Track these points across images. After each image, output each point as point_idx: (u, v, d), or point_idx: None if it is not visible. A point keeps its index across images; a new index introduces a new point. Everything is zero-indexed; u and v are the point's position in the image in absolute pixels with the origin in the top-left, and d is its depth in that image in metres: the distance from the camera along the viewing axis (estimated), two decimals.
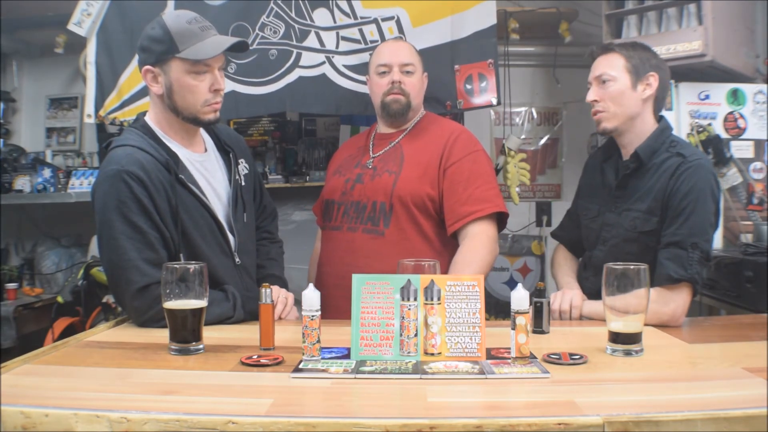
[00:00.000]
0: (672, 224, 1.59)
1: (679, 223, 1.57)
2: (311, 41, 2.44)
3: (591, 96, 1.74)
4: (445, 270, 1.81)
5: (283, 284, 1.80)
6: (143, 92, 2.40)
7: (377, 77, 1.98)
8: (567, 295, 1.67)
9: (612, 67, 1.70)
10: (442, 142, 1.92)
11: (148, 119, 1.63)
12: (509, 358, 1.18)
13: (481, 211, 1.84)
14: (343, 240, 1.91)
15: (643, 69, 1.70)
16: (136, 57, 1.72)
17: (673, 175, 1.61)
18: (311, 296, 1.19)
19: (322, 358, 1.19)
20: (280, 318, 1.63)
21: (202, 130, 1.71)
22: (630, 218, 1.68)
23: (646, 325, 1.28)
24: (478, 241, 1.82)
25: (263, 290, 1.32)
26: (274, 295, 1.62)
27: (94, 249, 2.81)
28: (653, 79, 1.70)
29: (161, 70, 1.55)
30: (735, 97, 2.67)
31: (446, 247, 1.89)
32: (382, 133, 2.04)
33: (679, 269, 1.53)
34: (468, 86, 2.36)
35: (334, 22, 2.42)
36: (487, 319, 1.23)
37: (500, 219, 1.91)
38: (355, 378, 1.10)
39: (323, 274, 1.97)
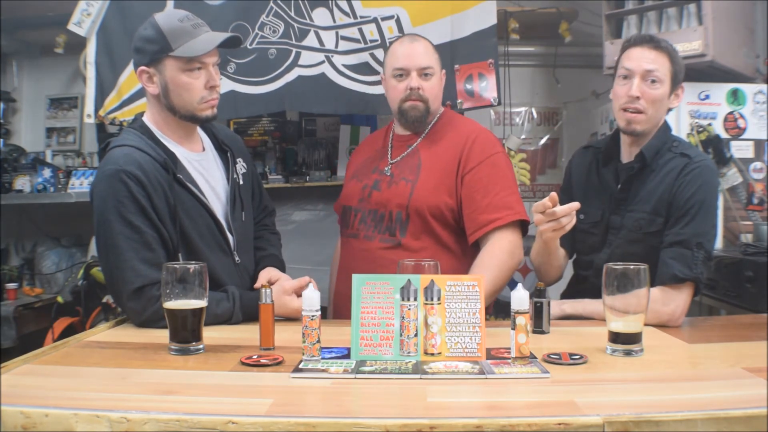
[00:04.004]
0: (677, 224, 1.59)
1: (684, 223, 1.57)
2: (310, 40, 2.44)
3: (636, 91, 1.61)
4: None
5: (282, 265, 1.81)
6: (142, 92, 2.39)
7: (394, 80, 1.88)
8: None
9: (663, 67, 1.62)
10: (459, 147, 1.85)
11: (146, 119, 1.63)
12: (509, 358, 1.18)
13: (501, 219, 1.77)
14: (359, 249, 1.88)
15: (679, 78, 1.65)
16: None
17: (678, 175, 1.61)
18: (311, 296, 1.19)
19: (322, 358, 1.19)
20: (271, 284, 1.63)
21: (199, 130, 1.72)
22: (634, 219, 1.67)
23: (645, 325, 1.28)
24: (499, 246, 1.76)
25: (263, 290, 1.32)
26: (272, 275, 1.67)
27: (94, 249, 2.81)
28: (681, 92, 1.68)
29: (156, 70, 1.55)
30: (735, 97, 2.67)
31: (466, 255, 1.84)
32: (400, 134, 1.96)
33: (684, 269, 1.53)
34: (468, 86, 2.36)
35: (334, 21, 2.42)
36: (487, 319, 1.23)
37: (522, 224, 1.84)
38: (355, 378, 1.10)
39: (340, 281, 1.94)
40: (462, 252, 1.85)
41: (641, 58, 1.63)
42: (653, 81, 1.62)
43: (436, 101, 1.92)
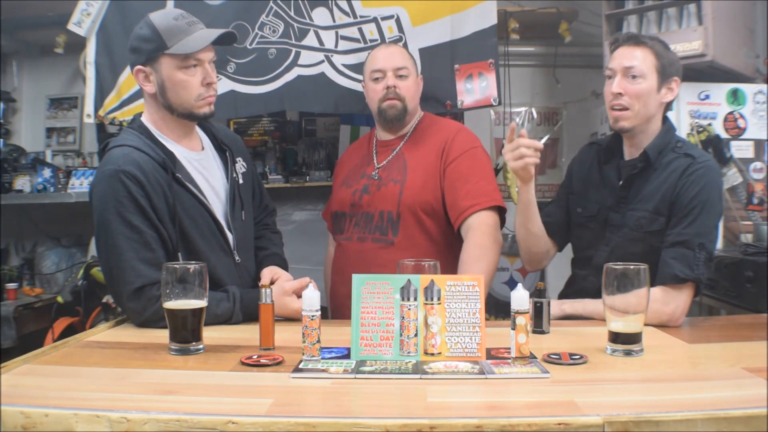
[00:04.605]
0: (679, 224, 1.59)
1: (686, 223, 1.57)
2: (310, 40, 2.44)
3: (616, 88, 1.65)
4: (453, 269, 1.82)
5: (285, 264, 1.82)
6: (142, 92, 2.41)
7: (372, 83, 1.98)
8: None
9: (644, 62, 1.64)
10: (441, 144, 1.94)
11: (144, 119, 1.63)
12: (509, 358, 1.18)
13: (479, 204, 1.85)
14: (353, 250, 1.94)
15: (669, 72, 1.67)
16: None
17: (682, 175, 1.61)
18: (311, 296, 1.19)
19: (322, 358, 1.19)
20: (272, 282, 1.65)
21: (198, 129, 1.72)
22: (635, 218, 1.67)
23: (645, 325, 1.28)
24: (480, 233, 1.83)
25: (263, 290, 1.32)
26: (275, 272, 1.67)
27: (94, 249, 2.81)
28: (675, 85, 1.68)
29: (152, 69, 1.56)
30: (735, 97, 2.67)
31: (451, 246, 1.91)
32: (383, 140, 2.05)
33: (686, 269, 1.53)
34: (468, 86, 2.36)
35: (334, 21, 2.42)
36: (487, 319, 1.23)
37: (501, 215, 1.92)
38: (355, 378, 1.10)
39: (336, 284, 2.00)
40: (447, 244, 1.92)
41: (622, 57, 1.67)
42: (634, 76, 1.64)
43: (414, 101, 2.01)
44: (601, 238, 1.75)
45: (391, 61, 1.96)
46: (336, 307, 2.00)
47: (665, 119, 1.74)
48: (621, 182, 1.73)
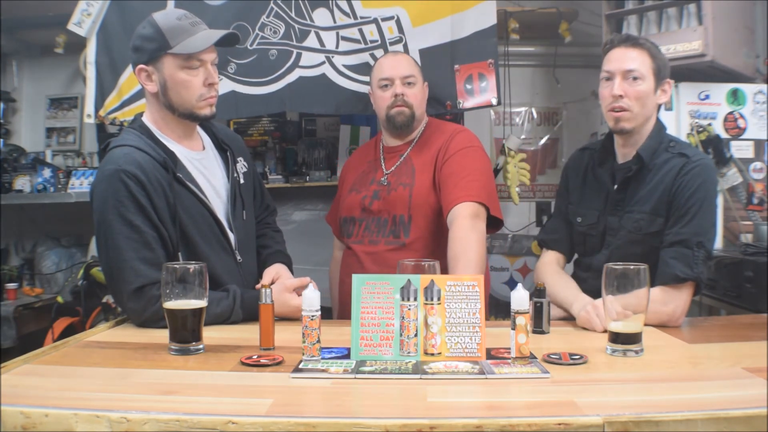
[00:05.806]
0: (677, 223, 1.59)
1: (684, 222, 1.58)
2: (311, 41, 2.44)
3: (618, 90, 1.64)
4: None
5: (289, 261, 1.83)
6: (143, 92, 2.41)
7: (380, 91, 2.00)
8: (600, 308, 1.48)
9: (643, 64, 1.65)
10: (441, 145, 1.97)
11: (145, 119, 1.63)
12: (509, 358, 1.18)
13: (462, 198, 1.83)
14: (364, 252, 1.96)
15: (663, 74, 1.68)
16: None
17: (678, 174, 1.61)
18: (311, 296, 1.19)
19: (322, 358, 1.19)
20: (272, 282, 1.65)
21: (199, 129, 1.72)
22: (633, 220, 1.67)
23: (645, 325, 1.28)
24: (460, 226, 1.78)
25: (263, 290, 1.32)
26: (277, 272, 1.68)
27: (94, 249, 2.81)
28: (668, 87, 1.69)
29: (154, 68, 1.56)
30: (735, 97, 2.67)
31: None
32: (390, 146, 2.07)
33: (686, 269, 1.53)
34: (468, 86, 2.36)
35: (334, 22, 2.42)
36: (487, 319, 1.23)
37: (491, 218, 1.90)
38: (355, 378, 1.10)
39: (345, 284, 1.98)
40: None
41: (620, 58, 1.66)
42: (634, 78, 1.64)
43: (420, 108, 2.03)
44: (602, 243, 1.75)
45: (398, 70, 1.98)
46: (344, 304, 2.03)
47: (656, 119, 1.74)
48: (616, 186, 1.73)
